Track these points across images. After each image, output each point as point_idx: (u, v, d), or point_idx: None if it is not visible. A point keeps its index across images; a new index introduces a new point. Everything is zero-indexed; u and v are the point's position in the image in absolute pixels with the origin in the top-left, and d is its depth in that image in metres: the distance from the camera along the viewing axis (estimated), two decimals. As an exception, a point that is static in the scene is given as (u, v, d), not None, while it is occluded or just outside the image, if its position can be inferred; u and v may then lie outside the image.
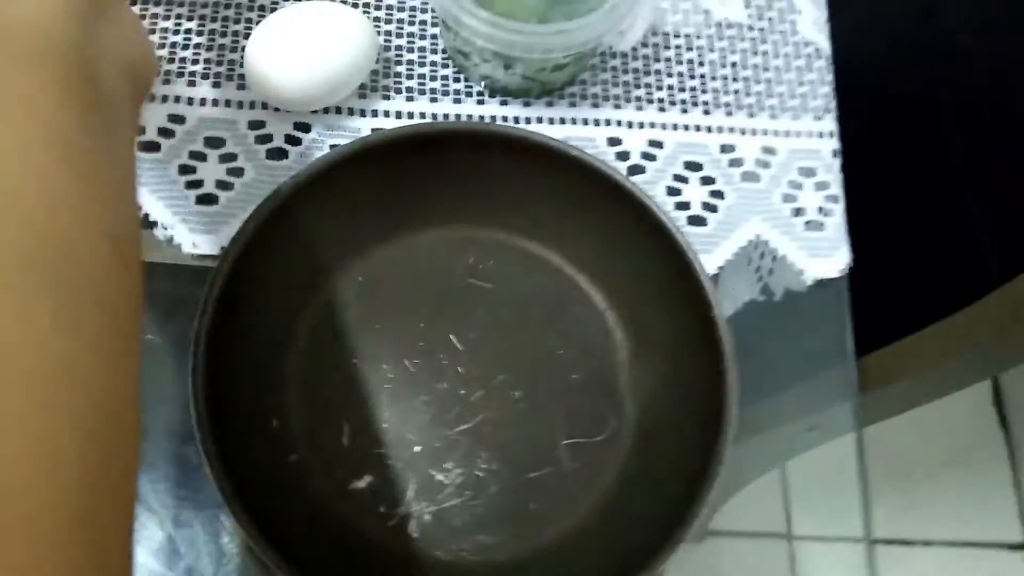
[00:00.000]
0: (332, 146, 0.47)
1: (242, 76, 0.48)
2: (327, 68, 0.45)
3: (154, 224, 0.45)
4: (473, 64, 0.49)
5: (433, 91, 0.50)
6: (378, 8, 0.51)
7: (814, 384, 0.49)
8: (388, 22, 0.51)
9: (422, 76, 0.50)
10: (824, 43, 0.53)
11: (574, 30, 0.44)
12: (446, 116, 0.49)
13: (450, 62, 0.51)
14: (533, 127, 0.49)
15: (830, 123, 0.51)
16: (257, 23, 0.47)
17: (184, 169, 0.46)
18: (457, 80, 0.50)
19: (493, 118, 0.49)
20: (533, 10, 0.46)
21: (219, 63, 0.49)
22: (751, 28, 0.53)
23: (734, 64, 0.52)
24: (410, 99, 0.49)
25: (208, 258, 0.44)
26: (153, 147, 0.46)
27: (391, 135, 0.43)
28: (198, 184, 0.46)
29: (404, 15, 0.51)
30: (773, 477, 1.12)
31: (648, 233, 0.43)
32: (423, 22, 0.51)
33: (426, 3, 0.52)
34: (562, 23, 0.44)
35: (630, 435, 0.42)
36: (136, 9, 0.50)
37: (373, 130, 0.47)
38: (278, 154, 0.47)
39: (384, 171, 0.43)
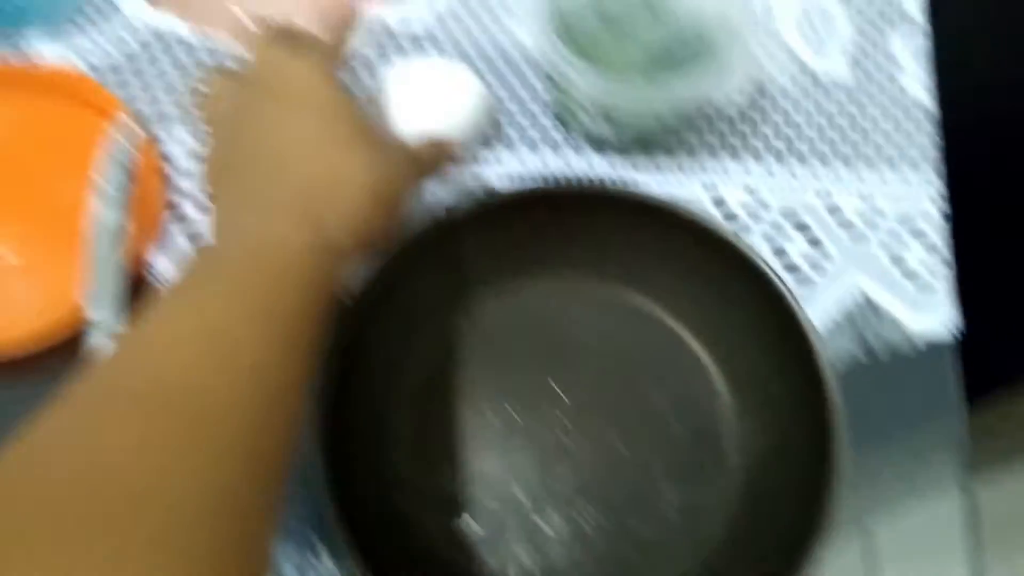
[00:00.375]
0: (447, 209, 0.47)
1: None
2: (443, 130, 0.46)
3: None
4: (576, 118, 0.50)
5: (534, 143, 0.51)
6: (481, 60, 0.53)
7: (915, 440, 0.49)
8: (490, 74, 0.53)
9: (523, 128, 0.51)
10: (927, 99, 0.53)
11: (679, 88, 0.45)
12: (547, 168, 0.50)
13: (552, 116, 0.52)
14: (633, 180, 0.50)
15: (937, 181, 0.51)
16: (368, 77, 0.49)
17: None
18: (558, 133, 0.51)
19: (594, 171, 0.50)
20: (640, 70, 0.47)
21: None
22: (856, 85, 0.54)
23: (834, 117, 0.53)
24: (512, 150, 0.51)
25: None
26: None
27: (504, 197, 0.44)
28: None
29: (507, 68, 0.53)
30: (853, 532, 1.08)
31: (752, 287, 0.43)
32: (525, 76, 0.53)
33: (529, 57, 0.53)
34: (668, 81, 0.45)
35: (734, 490, 0.42)
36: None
37: (479, 185, 0.49)
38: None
39: (493, 227, 0.44)
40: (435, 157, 0.42)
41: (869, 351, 0.48)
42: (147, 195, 0.46)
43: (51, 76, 0.50)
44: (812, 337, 0.41)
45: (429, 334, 0.45)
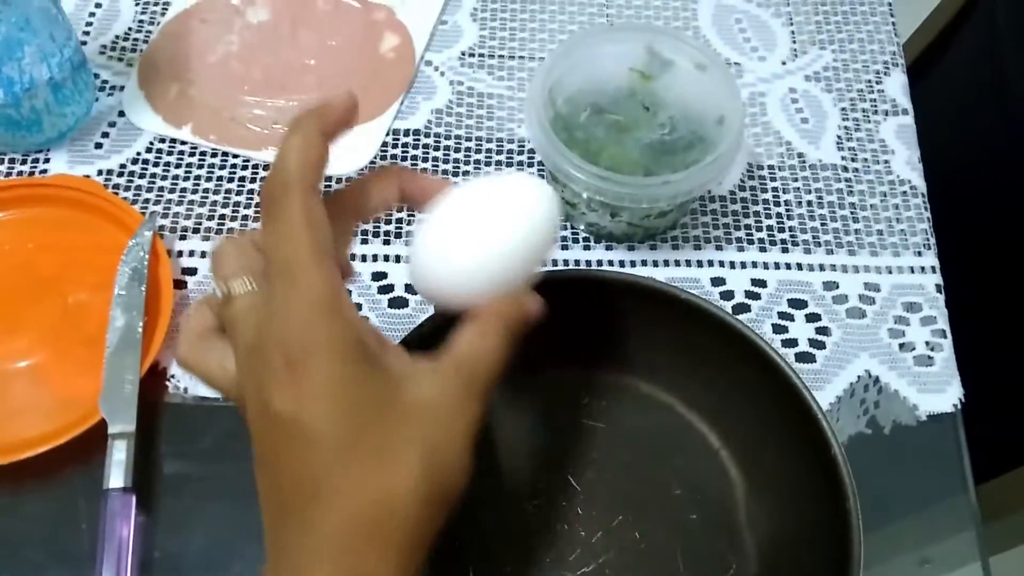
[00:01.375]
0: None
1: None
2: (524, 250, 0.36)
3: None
4: (580, 213, 0.51)
5: (542, 239, 0.53)
6: (488, 164, 0.55)
7: (927, 517, 0.48)
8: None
9: (531, 225, 0.53)
10: (919, 181, 0.55)
11: (679, 181, 0.46)
12: (554, 262, 0.52)
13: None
14: (638, 270, 0.51)
15: (931, 258, 0.52)
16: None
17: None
18: (564, 228, 0.53)
19: (599, 263, 0.52)
20: (638, 164, 0.49)
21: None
22: (845, 169, 0.55)
23: (831, 203, 0.54)
24: (520, 247, 0.52)
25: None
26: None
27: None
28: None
29: (512, 170, 0.55)
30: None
31: (759, 371, 0.43)
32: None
33: (533, 159, 0.55)
34: (667, 175, 0.47)
35: (751, 574, 0.42)
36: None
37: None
38: (399, 303, 0.50)
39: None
40: (493, 353, 0.34)
41: (873, 427, 0.48)
42: (164, 303, 0.47)
43: (69, 188, 0.52)
44: (824, 426, 0.41)
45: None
